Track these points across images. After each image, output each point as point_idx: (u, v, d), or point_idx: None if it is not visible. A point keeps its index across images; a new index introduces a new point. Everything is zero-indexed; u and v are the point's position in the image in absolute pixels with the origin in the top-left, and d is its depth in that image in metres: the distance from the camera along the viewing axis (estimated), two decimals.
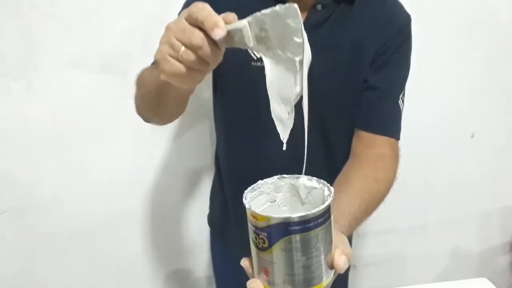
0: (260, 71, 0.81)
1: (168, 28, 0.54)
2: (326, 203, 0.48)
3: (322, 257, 0.49)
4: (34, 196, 1.27)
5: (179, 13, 0.83)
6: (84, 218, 1.31)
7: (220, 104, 0.95)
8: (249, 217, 0.50)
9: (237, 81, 0.87)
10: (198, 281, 1.47)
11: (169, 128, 1.31)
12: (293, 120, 0.55)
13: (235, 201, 0.99)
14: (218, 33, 0.50)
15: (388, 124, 0.87)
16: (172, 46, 0.52)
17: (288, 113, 0.55)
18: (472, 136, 1.50)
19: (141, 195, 1.35)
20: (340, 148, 0.91)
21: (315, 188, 0.55)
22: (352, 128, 0.88)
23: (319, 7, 0.80)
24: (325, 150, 0.90)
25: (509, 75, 1.46)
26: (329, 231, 0.50)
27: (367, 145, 0.85)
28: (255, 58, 0.81)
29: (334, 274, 0.52)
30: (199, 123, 1.31)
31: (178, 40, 0.52)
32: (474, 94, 1.45)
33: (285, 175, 0.57)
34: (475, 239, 1.63)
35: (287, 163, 0.87)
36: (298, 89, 0.52)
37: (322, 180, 0.55)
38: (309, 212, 0.47)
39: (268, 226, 0.47)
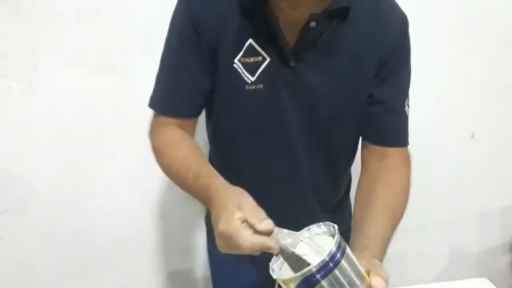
0: (254, 94, 0.81)
1: (222, 234, 0.59)
2: (335, 240, 0.51)
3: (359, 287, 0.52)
4: (34, 196, 1.27)
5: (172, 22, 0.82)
6: (84, 218, 1.31)
7: (212, 124, 0.92)
8: (282, 285, 0.53)
9: (230, 105, 0.84)
10: (198, 281, 1.47)
11: None
12: None
13: None
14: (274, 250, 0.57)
15: (399, 135, 0.86)
16: (232, 247, 0.58)
17: None
18: (472, 136, 1.50)
19: (140, 195, 1.35)
20: (339, 159, 0.91)
21: (325, 231, 0.58)
22: (352, 139, 0.88)
23: (312, 24, 0.75)
24: (326, 158, 0.89)
25: (509, 75, 1.46)
26: (351, 262, 0.52)
27: (379, 157, 0.85)
28: (249, 82, 0.79)
29: None
30: (198, 123, 1.30)
31: (233, 244, 0.58)
32: (474, 94, 1.45)
33: (294, 232, 0.59)
34: (475, 239, 1.63)
35: (287, 177, 0.87)
36: None
37: (327, 222, 0.58)
38: (324, 257, 0.49)
39: (298, 285, 0.50)
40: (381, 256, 0.65)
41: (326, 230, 0.58)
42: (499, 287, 1.02)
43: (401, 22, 0.83)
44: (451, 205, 1.56)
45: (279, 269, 0.57)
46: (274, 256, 0.58)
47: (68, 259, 1.34)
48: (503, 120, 1.50)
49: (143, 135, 1.29)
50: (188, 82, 0.82)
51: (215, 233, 0.61)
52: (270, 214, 0.60)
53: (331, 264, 0.49)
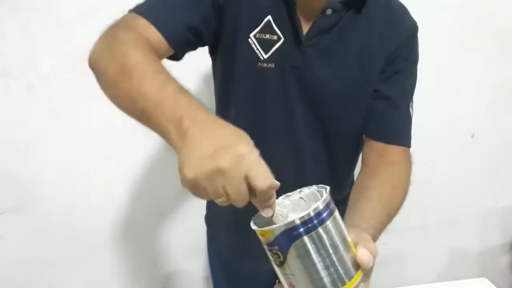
0: (266, 72, 0.81)
1: (220, 171, 0.46)
2: (323, 198, 0.48)
3: (343, 254, 0.48)
4: (34, 196, 1.27)
5: None
6: (84, 218, 1.31)
7: (225, 108, 0.92)
8: (260, 238, 0.49)
9: (243, 83, 0.85)
10: (197, 281, 1.47)
11: None
12: None
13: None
14: (267, 213, 0.50)
15: (400, 133, 0.86)
16: (215, 191, 0.48)
17: None
18: (472, 136, 1.50)
19: (140, 195, 1.35)
20: (342, 152, 0.91)
21: (315, 192, 0.55)
22: (355, 133, 0.88)
23: (329, 11, 0.78)
24: (327, 154, 0.89)
25: (509, 75, 1.46)
26: (338, 225, 0.49)
27: (380, 153, 0.84)
28: (262, 58, 0.80)
29: (361, 272, 0.50)
30: None
31: (223, 189, 0.48)
32: (474, 94, 1.45)
33: (288, 193, 0.57)
34: (475, 239, 1.63)
35: (289, 165, 0.87)
36: None
37: (320, 185, 0.55)
38: (309, 211, 0.46)
39: (276, 238, 0.47)
40: (373, 238, 0.61)
41: (315, 191, 0.54)
42: (499, 287, 1.02)
43: (412, 26, 0.86)
44: (451, 205, 1.56)
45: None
46: (257, 214, 0.52)
47: (68, 259, 1.34)
48: (503, 120, 1.50)
49: (143, 135, 1.29)
50: (185, 11, 0.74)
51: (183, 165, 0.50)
52: None
53: (315, 221, 0.46)
